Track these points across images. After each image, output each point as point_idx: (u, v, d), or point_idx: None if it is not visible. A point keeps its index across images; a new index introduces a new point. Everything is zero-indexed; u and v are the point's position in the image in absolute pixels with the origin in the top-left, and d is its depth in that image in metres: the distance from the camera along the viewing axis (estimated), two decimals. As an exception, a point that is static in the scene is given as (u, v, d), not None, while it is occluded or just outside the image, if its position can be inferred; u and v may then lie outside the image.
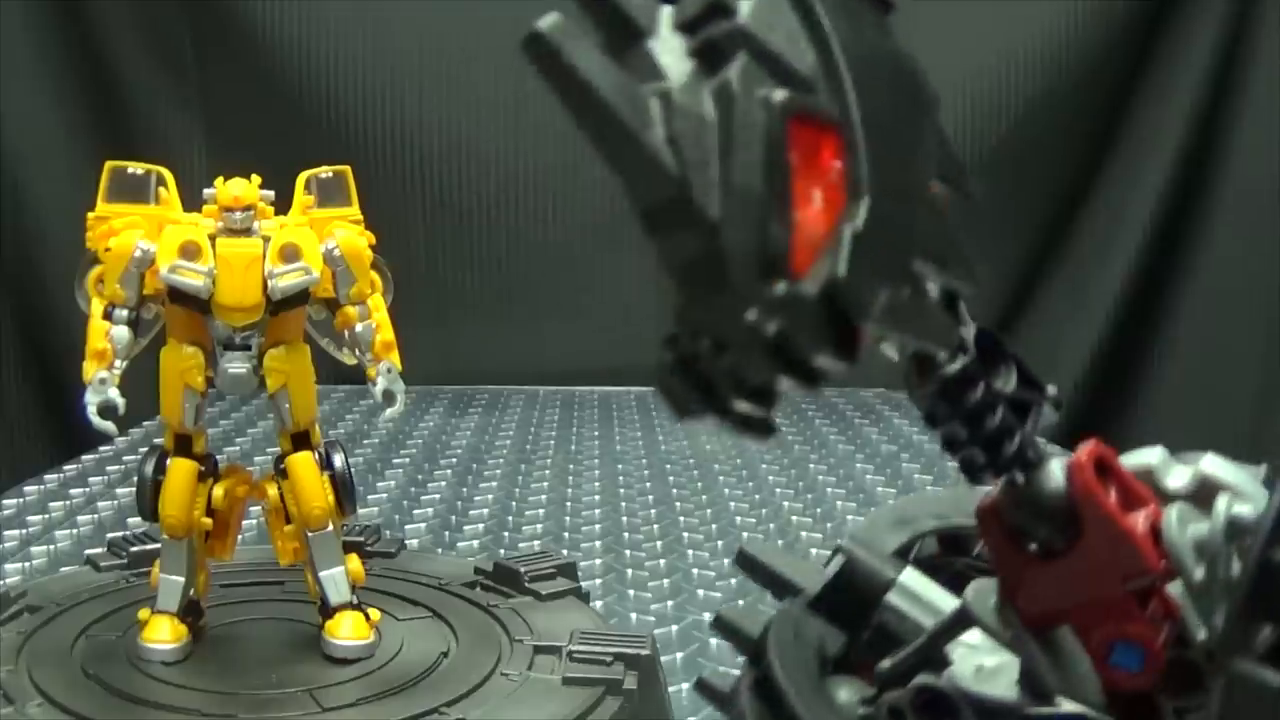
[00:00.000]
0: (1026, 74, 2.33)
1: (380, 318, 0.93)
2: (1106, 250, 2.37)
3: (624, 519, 1.53)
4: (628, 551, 1.41)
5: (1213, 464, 0.50)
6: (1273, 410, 2.17)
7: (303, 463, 0.92)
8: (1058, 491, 0.48)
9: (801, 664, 0.56)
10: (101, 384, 0.86)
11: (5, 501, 1.56)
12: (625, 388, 2.31)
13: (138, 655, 0.90)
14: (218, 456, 0.95)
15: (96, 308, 0.88)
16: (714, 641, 1.14)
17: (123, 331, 0.87)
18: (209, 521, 0.92)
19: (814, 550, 1.38)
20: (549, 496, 1.63)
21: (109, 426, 0.87)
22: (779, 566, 0.64)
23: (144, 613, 0.92)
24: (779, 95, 0.35)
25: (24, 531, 1.43)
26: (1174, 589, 0.48)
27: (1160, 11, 2.34)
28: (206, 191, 0.88)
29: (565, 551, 1.31)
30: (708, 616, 1.20)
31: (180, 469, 0.91)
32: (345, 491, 0.93)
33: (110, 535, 1.21)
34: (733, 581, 1.30)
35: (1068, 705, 0.50)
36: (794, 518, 1.53)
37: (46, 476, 1.68)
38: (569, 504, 1.60)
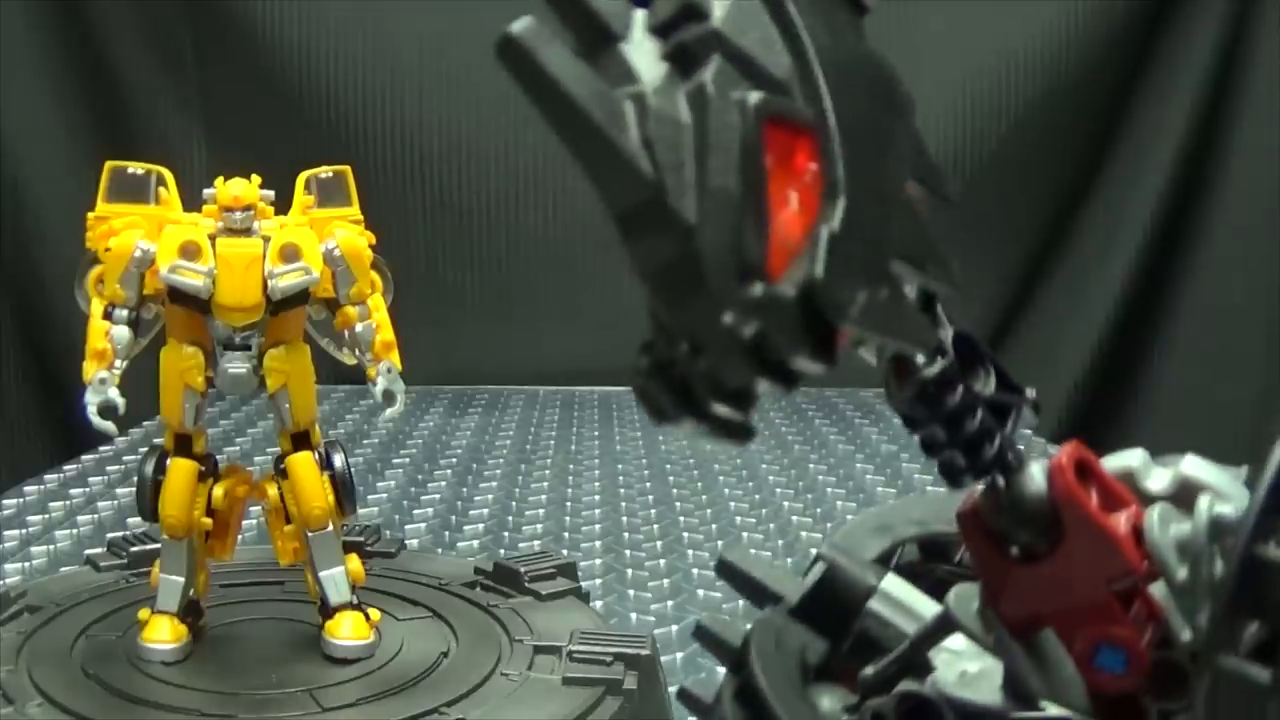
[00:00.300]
0: (1026, 74, 2.33)
1: (380, 318, 0.93)
2: (1106, 250, 2.37)
3: (624, 519, 1.53)
4: (628, 551, 1.41)
5: (1193, 465, 0.50)
6: (1272, 410, 2.17)
7: (303, 463, 0.92)
8: (1039, 494, 0.48)
9: (784, 672, 0.56)
10: (101, 384, 0.86)
11: (5, 501, 1.56)
12: (625, 388, 2.30)
13: (138, 655, 0.90)
14: (218, 456, 0.95)
15: (96, 308, 0.88)
16: (714, 641, 1.14)
17: (123, 331, 0.87)
18: (209, 521, 0.92)
19: (813, 550, 1.37)
20: (549, 496, 1.63)
21: (109, 426, 0.87)
22: (758, 574, 0.64)
23: (144, 613, 0.92)
24: (754, 97, 0.34)
25: (24, 531, 1.43)
26: (1157, 590, 0.48)
27: (1160, 11, 2.34)
28: (206, 191, 0.88)
29: (565, 551, 1.31)
30: (703, 615, 1.20)
31: (180, 469, 0.91)
32: (345, 491, 0.93)
33: (110, 535, 1.21)
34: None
35: (1052, 709, 0.49)
36: (794, 518, 1.53)
37: (46, 476, 1.68)
38: (569, 504, 1.60)
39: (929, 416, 0.46)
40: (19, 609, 0.98)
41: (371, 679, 0.89)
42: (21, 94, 2.19)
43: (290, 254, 0.87)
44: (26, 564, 1.32)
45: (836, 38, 0.38)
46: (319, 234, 0.90)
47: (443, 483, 1.69)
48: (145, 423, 1.82)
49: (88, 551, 1.18)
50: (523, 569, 1.04)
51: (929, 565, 0.62)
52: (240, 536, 0.99)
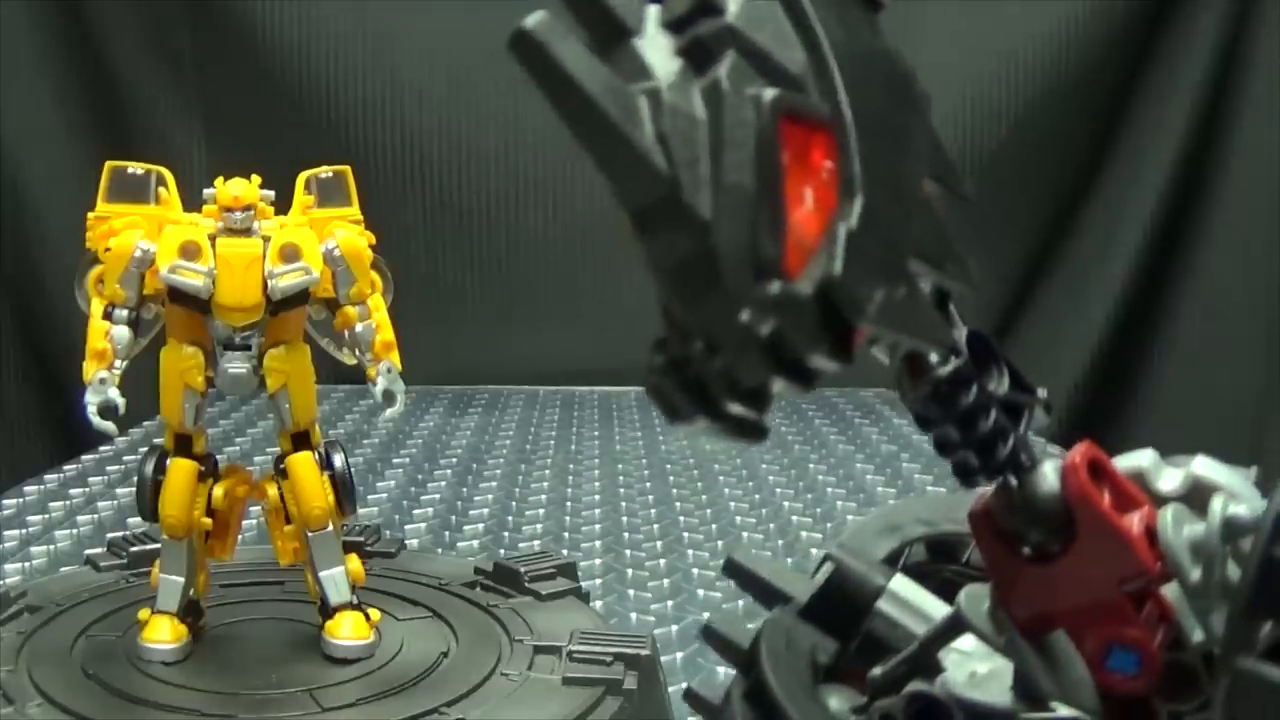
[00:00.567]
0: (1027, 75, 2.33)
1: (380, 318, 0.93)
2: (1106, 250, 2.37)
3: (624, 519, 1.53)
4: (628, 551, 1.41)
5: (1204, 466, 0.50)
6: (1273, 410, 2.17)
7: (303, 463, 0.92)
8: (1052, 494, 0.47)
9: (795, 673, 0.55)
10: (101, 384, 0.86)
11: (5, 501, 1.56)
12: (625, 388, 2.31)
13: (138, 655, 0.90)
14: (218, 456, 0.95)
15: (96, 308, 0.88)
16: (714, 641, 1.14)
17: (123, 331, 0.87)
18: (209, 521, 0.92)
19: (814, 550, 1.38)
20: (549, 496, 1.63)
21: (109, 426, 0.87)
22: (767, 575, 0.64)
23: (144, 613, 0.92)
24: (769, 93, 0.34)
25: (24, 531, 1.43)
26: (1168, 591, 0.48)
27: (1160, 11, 2.34)
28: (206, 191, 0.88)
29: (565, 551, 1.31)
30: (708, 616, 1.20)
31: (180, 469, 0.91)
32: (345, 491, 0.93)
33: (110, 535, 1.21)
34: (732, 582, 1.30)
35: (1062, 710, 0.49)
36: (794, 518, 1.53)
37: (46, 476, 1.68)
38: (569, 504, 1.60)
39: (942, 416, 0.46)
40: (19, 609, 0.98)
41: (371, 679, 0.89)
42: (21, 94, 2.19)
43: (290, 254, 0.87)
44: (26, 564, 1.32)
45: (851, 33, 0.38)
46: (319, 234, 0.90)
47: (443, 483, 1.69)
48: (145, 423, 1.82)
49: (88, 551, 1.18)
50: (523, 569, 1.04)
51: (936, 565, 0.62)
52: (240, 536, 0.99)
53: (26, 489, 1.61)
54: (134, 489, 0.93)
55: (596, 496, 1.63)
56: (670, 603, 1.24)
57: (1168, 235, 2.34)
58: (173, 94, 2.34)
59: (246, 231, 0.87)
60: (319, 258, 0.88)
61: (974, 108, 2.31)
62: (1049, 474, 0.48)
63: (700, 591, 1.27)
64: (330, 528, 0.92)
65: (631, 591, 1.28)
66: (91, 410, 0.86)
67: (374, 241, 0.92)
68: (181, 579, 0.92)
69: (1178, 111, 2.33)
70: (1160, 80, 2.34)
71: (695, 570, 1.34)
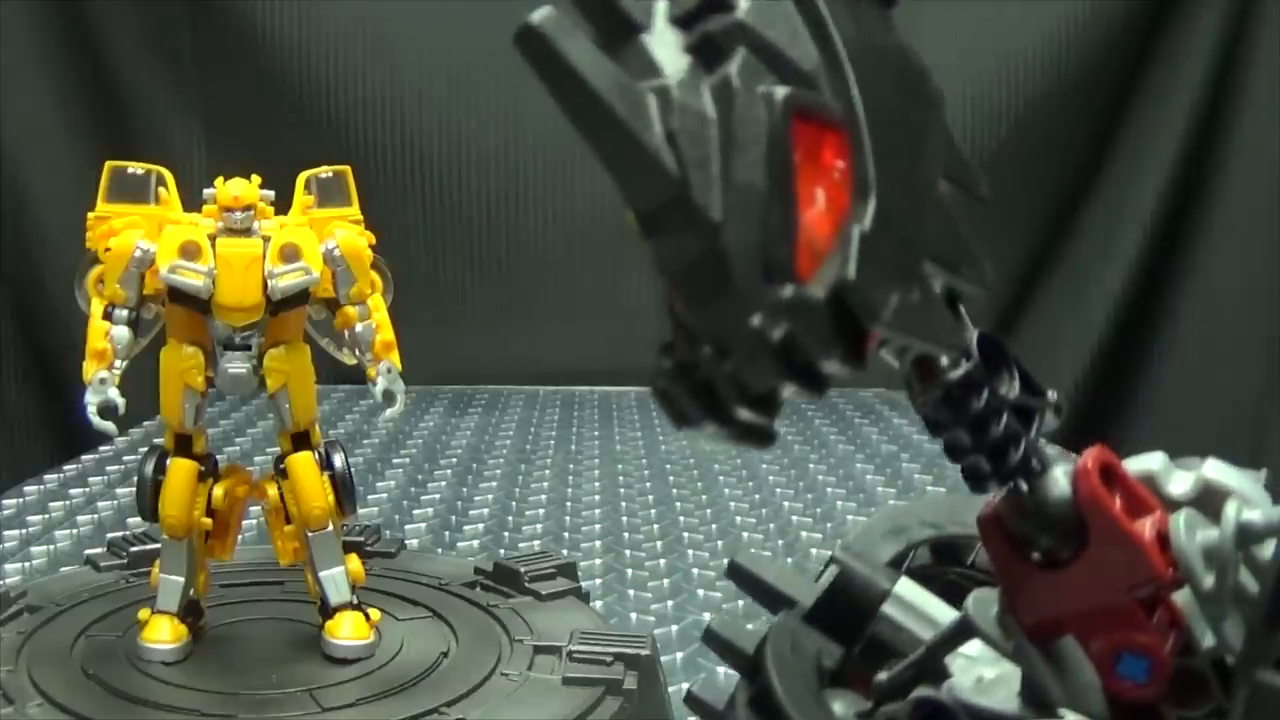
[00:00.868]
0: (1027, 75, 2.33)
1: (380, 318, 0.93)
2: (1106, 250, 2.37)
3: (624, 519, 1.53)
4: (628, 551, 1.41)
5: (1215, 469, 0.49)
6: (1273, 410, 2.17)
7: (303, 463, 0.92)
8: (1063, 499, 0.47)
9: (801, 678, 0.55)
10: (101, 384, 0.86)
11: (5, 501, 1.56)
12: (625, 388, 2.31)
13: (138, 655, 0.90)
14: (218, 456, 0.95)
15: (96, 308, 0.88)
16: (714, 641, 1.14)
17: (123, 331, 0.87)
18: (209, 521, 0.92)
19: (814, 550, 1.38)
20: (549, 496, 1.63)
21: (109, 426, 0.87)
22: (771, 579, 0.64)
23: (144, 613, 0.92)
24: (781, 91, 0.33)
25: (24, 531, 1.43)
26: (1177, 596, 0.47)
27: (1160, 11, 2.34)
28: (206, 191, 0.88)
29: (565, 551, 1.31)
30: (708, 616, 1.20)
31: (180, 469, 0.91)
32: (345, 491, 0.93)
33: (110, 535, 1.21)
34: (732, 582, 1.30)
35: (1070, 717, 0.49)
36: (794, 518, 1.53)
37: (46, 476, 1.68)
38: (569, 504, 1.60)
39: (953, 420, 0.46)
40: (19, 609, 0.98)
41: (371, 679, 0.89)
42: (21, 94, 2.19)
43: (290, 254, 0.87)
44: (26, 564, 1.32)
45: (864, 29, 0.37)
46: (319, 234, 0.90)
47: (443, 483, 1.69)
48: (145, 423, 1.82)
49: (88, 551, 1.18)
50: (523, 569, 1.04)
51: (941, 568, 0.62)
52: (240, 536, 0.99)
53: (26, 489, 1.61)
54: (134, 489, 0.93)
55: (596, 496, 1.63)
56: (670, 603, 1.24)
57: (1168, 235, 2.34)
58: (173, 94, 2.34)
59: (246, 231, 0.87)
60: (319, 258, 0.88)
61: (974, 108, 2.31)
62: (1060, 479, 0.47)
63: (700, 591, 1.27)
64: (330, 528, 0.92)
65: (631, 591, 1.28)
66: (91, 410, 0.86)
67: (374, 241, 0.92)
68: (181, 579, 0.92)
69: (1178, 111, 2.32)
70: (1160, 80, 2.34)
71: (695, 570, 1.34)
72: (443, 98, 2.34)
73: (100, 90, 2.30)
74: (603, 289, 2.38)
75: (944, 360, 0.45)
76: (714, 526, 1.50)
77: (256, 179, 0.89)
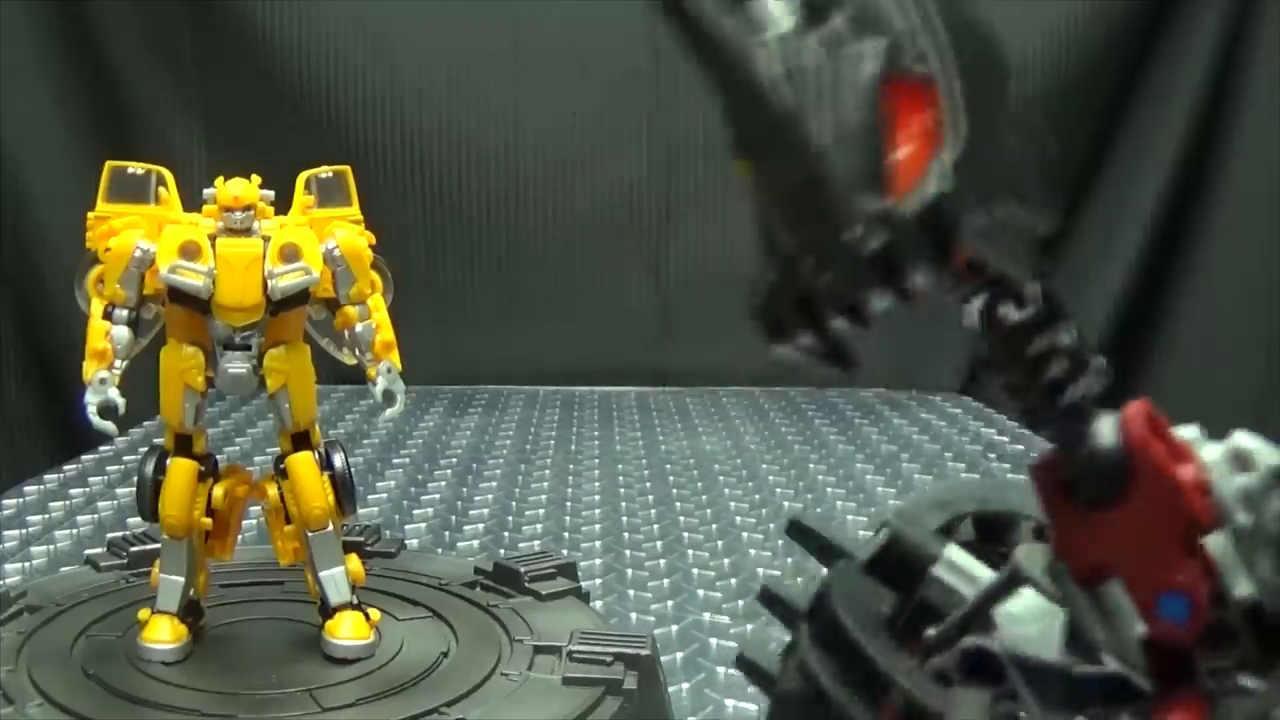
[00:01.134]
0: (1026, 75, 2.33)
1: (380, 318, 0.93)
2: (1106, 250, 2.37)
3: (624, 519, 1.53)
4: (628, 551, 1.41)
5: (1245, 439, 0.52)
6: (1273, 410, 2.17)
7: (303, 463, 0.92)
8: (1110, 442, 0.50)
9: (865, 614, 0.57)
10: (101, 384, 0.86)
11: (5, 501, 1.56)
12: (625, 388, 2.31)
13: (138, 655, 0.90)
14: (218, 456, 0.95)
15: (96, 308, 0.88)
16: (714, 641, 1.14)
17: (123, 331, 0.87)
18: (209, 521, 0.92)
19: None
20: (549, 496, 1.63)
21: (109, 426, 0.87)
22: (829, 534, 0.65)
23: (144, 613, 0.92)
24: (880, 46, 0.40)
25: (24, 531, 1.43)
26: (1213, 545, 0.49)
27: (1160, 11, 2.34)
28: (206, 191, 0.88)
29: (565, 551, 1.31)
30: (708, 616, 1.21)
31: (180, 469, 0.91)
32: (345, 491, 0.93)
33: (110, 535, 1.20)
34: (732, 581, 1.30)
35: (1112, 665, 0.50)
36: (794, 518, 1.52)
37: (46, 476, 1.68)
38: (569, 504, 1.60)
39: (1014, 360, 0.50)
40: (19, 609, 0.97)
41: (371, 679, 0.89)
42: (21, 94, 2.19)
43: (290, 254, 0.87)
44: (26, 564, 1.33)
45: (954, 2, 0.44)
46: (319, 234, 0.89)
47: (443, 483, 1.69)
48: (145, 423, 1.82)
49: (88, 551, 1.18)
50: (523, 569, 1.04)
51: (984, 545, 0.63)
52: (240, 536, 0.99)
53: (26, 489, 1.61)
54: (134, 489, 0.93)
55: (596, 496, 1.63)
56: (670, 603, 1.24)
57: (1168, 235, 2.34)
58: (173, 94, 2.34)
59: (246, 231, 0.87)
60: (319, 258, 0.88)
61: (974, 108, 2.31)
62: (1107, 425, 0.51)
63: (700, 591, 1.27)
64: (330, 528, 0.92)
65: (631, 591, 1.28)
66: (91, 410, 0.86)
67: (374, 241, 0.92)
68: (181, 579, 0.92)
69: (1178, 111, 2.32)
70: (1160, 80, 2.34)
71: (695, 570, 1.34)
72: (443, 98, 2.34)
73: (100, 90, 2.30)
74: (603, 289, 2.39)
75: (1011, 308, 0.49)
76: (714, 526, 1.50)
77: (256, 179, 0.88)
